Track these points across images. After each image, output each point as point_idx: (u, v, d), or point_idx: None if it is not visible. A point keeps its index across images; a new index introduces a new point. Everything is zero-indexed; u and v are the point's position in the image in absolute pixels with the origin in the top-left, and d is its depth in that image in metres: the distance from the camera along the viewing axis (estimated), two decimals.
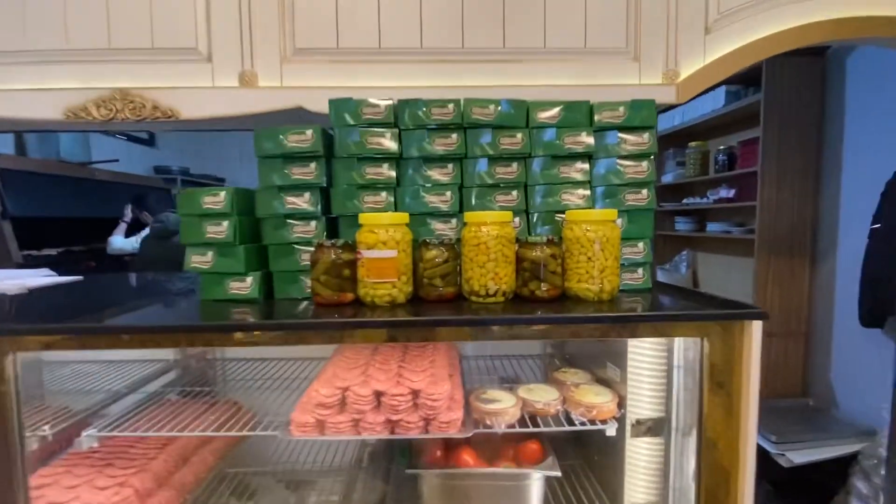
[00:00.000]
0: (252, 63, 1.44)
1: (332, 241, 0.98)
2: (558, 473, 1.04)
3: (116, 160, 3.51)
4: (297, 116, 1.42)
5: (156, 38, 1.46)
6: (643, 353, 1.09)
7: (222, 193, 1.05)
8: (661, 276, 3.68)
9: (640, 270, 1.14)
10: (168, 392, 1.42)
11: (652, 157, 1.13)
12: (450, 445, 1.20)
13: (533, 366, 1.54)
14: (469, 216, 1.00)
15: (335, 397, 1.02)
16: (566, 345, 1.57)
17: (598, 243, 0.98)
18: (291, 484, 1.38)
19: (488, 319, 0.88)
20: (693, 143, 3.40)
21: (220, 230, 1.05)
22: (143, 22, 1.44)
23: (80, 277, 1.60)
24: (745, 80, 2.90)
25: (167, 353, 1.59)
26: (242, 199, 1.07)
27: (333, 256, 0.98)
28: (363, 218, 0.97)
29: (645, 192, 1.12)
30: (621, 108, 1.11)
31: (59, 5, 1.41)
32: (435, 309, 0.96)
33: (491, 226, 0.98)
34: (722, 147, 3.16)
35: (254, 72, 1.44)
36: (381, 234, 0.95)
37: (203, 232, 1.05)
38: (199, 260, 1.07)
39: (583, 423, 1.08)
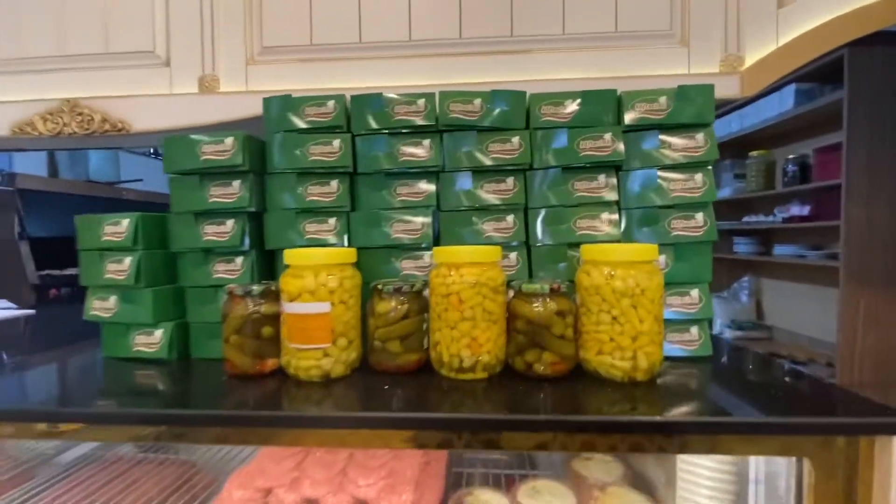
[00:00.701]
0: (213, 66, 1.23)
1: (246, 287, 0.71)
2: None
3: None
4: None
5: (111, 41, 1.28)
6: (699, 458, 0.73)
7: (124, 222, 0.81)
8: (718, 307, 3.17)
9: (695, 330, 0.79)
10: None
11: (709, 166, 0.79)
12: None
13: None
14: (438, 253, 0.70)
15: (254, 503, 0.73)
16: None
17: (631, 296, 0.65)
18: None
19: (415, 420, 0.57)
20: (755, 153, 2.93)
21: (121, 269, 0.81)
22: (97, 25, 1.27)
23: (32, 312, 1.44)
24: (820, 76, 2.44)
25: None
26: (152, 228, 0.83)
27: (250, 309, 0.71)
28: (287, 256, 0.70)
29: (700, 216, 0.78)
30: (663, 99, 0.78)
31: (12, 11, 1.27)
32: (386, 385, 0.66)
33: (467, 268, 0.67)
34: (792, 156, 2.68)
35: (215, 76, 1.23)
36: (309, 279, 0.67)
37: (102, 271, 0.82)
38: (99, 306, 0.83)
39: None
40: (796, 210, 2.61)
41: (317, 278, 0.67)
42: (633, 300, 0.65)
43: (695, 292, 0.78)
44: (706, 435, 0.55)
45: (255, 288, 0.71)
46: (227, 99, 1.21)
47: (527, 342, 0.68)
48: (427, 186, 0.81)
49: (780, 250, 2.73)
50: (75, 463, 1.13)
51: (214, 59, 1.23)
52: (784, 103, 2.57)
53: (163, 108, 1.23)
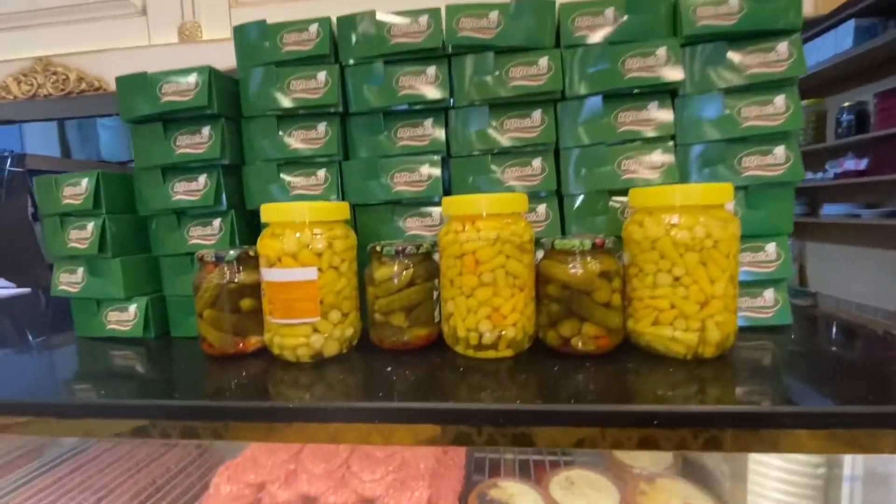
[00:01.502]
0: (194, 12, 1.10)
1: (219, 252, 0.59)
2: None
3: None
4: None
5: None
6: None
7: (83, 181, 0.69)
8: None
9: (770, 294, 0.64)
10: None
11: (794, 86, 0.62)
12: None
13: None
14: (448, 204, 0.56)
15: (244, 500, 0.64)
16: None
17: (699, 250, 0.50)
18: None
19: (421, 411, 0.45)
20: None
21: (84, 236, 0.70)
22: None
23: (28, 290, 1.38)
24: (882, 10, 2.14)
25: None
26: (116, 188, 0.71)
27: (225, 278, 0.59)
28: (264, 212, 0.57)
29: (781, 151, 0.62)
30: (734, 0, 0.61)
31: None
32: (389, 367, 0.54)
33: (484, 221, 0.53)
34: (847, 104, 2.40)
35: (196, 23, 1.10)
36: (290, 240, 0.54)
37: (65, 240, 0.71)
38: (66, 281, 0.73)
39: None
40: (851, 164, 2.35)
41: (300, 238, 0.54)
42: (703, 255, 0.50)
43: (771, 247, 0.63)
44: (815, 430, 0.41)
45: (230, 253, 0.59)
46: (210, 48, 1.07)
47: (562, 312, 0.55)
48: (433, 127, 0.66)
49: (830, 210, 2.48)
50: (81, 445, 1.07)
51: (194, 5, 1.09)
52: (841, 42, 2.27)
53: (141, 61, 1.11)
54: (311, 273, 0.54)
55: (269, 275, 0.55)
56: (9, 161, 1.83)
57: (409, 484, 0.62)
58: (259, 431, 0.47)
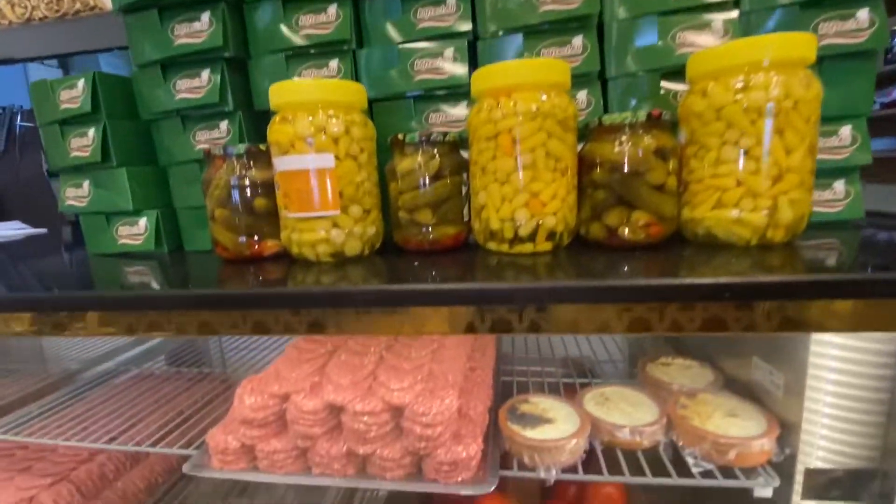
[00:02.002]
0: None
1: (227, 146, 0.54)
2: None
3: None
4: None
5: None
6: (839, 350, 0.54)
7: (80, 82, 0.64)
8: None
9: (840, 186, 0.56)
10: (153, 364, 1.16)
11: None
12: None
13: (612, 347, 1.04)
14: (479, 79, 0.50)
15: (269, 410, 0.62)
16: None
17: (775, 114, 0.43)
18: None
19: (496, 291, 0.40)
20: None
21: (86, 143, 0.65)
22: None
23: (44, 231, 1.37)
24: None
25: None
26: (116, 91, 0.66)
27: (235, 173, 0.54)
28: (274, 93, 0.51)
29: (864, 15, 0.52)
30: None
31: None
32: (417, 262, 0.50)
33: (522, 93, 0.47)
34: None
35: None
36: (303, 122, 0.49)
37: (66, 149, 0.67)
38: (73, 195, 0.70)
39: (707, 473, 0.58)
40: None
41: (314, 121, 0.49)
42: (779, 121, 0.43)
43: (846, 131, 0.55)
44: None
45: (239, 147, 0.54)
46: None
47: (609, 200, 0.49)
48: (458, 4, 0.58)
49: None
50: (104, 376, 1.08)
51: None
52: None
53: None
54: (327, 160, 0.49)
55: (282, 163, 0.50)
56: (19, 116, 1.78)
57: (438, 393, 0.59)
58: (280, 322, 0.43)
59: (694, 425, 0.60)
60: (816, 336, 0.56)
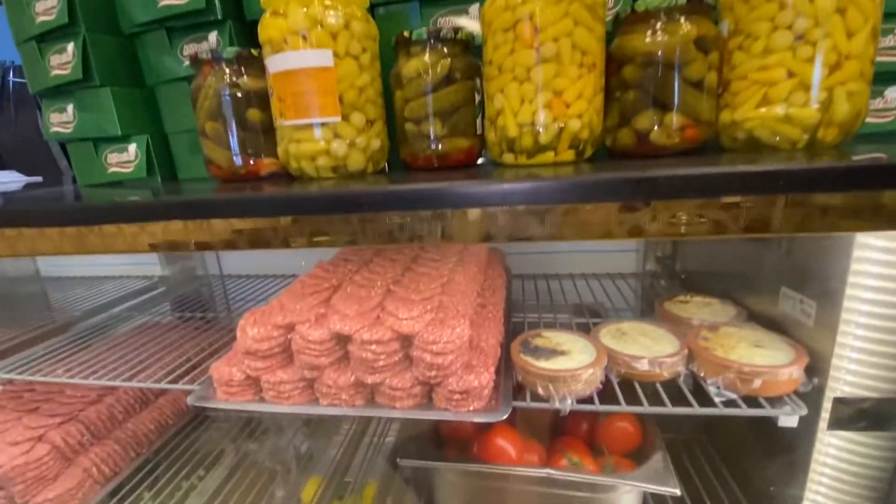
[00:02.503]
0: None
1: (216, 50, 0.49)
2: (676, 491, 0.55)
3: None
4: None
5: None
6: (875, 280, 0.50)
7: None
8: None
9: (894, 93, 0.51)
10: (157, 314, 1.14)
11: None
12: None
13: (626, 290, 1.01)
14: None
15: (273, 341, 0.60)
16: (684, 256, 1.00)
17: None
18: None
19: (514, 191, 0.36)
20: None
21: (65, 60, 0.60)
22: None
23: (40, 179, 1.33)
24: None
25: (154, 269, 1.32)
26: (95, 2, 0.60)
27: (225, 80, 0.49)
28: None
29: None
30: None
31: None
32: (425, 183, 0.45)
33: None
34: None
35: None
36: (296, 15, 0.43)
37: (46, 68, 0.62)
38: (58, 121, 0.65)
39: (729, 402, 0.56)
40: None
41: (308, 13, 0.43)
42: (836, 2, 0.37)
43: None
44: None
45: (229, 50, 0.49)
46: None
47: (640, 100, 0.44)
48: None
49: None
50: (109, 321, 1.08)
51: None
52: None
53: None
54: (325, 57, 0.44)
55: (275, 63, 0.45)
56: (11, 72, 1.70)
57: (449, 322, 0.57)
58: (298, 231, 0.40)
59: (717, 355, 0.57)
60: (854, 266, 0.52)
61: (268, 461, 1.02)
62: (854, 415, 0.56)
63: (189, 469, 0.92)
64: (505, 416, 0.54)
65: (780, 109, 0.41)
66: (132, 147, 0.63)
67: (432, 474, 0.68)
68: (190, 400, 0.62)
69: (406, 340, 0.57)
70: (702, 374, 0.58)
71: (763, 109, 0.41)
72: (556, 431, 0.72)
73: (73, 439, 0.81)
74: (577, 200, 0.35)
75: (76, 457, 0.81)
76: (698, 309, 0.73)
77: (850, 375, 0.55)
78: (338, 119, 0.46)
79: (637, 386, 0.60)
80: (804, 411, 0.54)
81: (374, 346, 0.56)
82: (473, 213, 0.37)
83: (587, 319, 0.81)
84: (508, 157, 0.47)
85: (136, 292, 1.19)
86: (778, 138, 0.42)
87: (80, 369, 0.81)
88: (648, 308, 0.92)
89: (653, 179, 0.33)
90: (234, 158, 0.51)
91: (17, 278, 1.36)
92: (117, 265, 1.35)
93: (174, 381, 0.72)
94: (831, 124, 0.40)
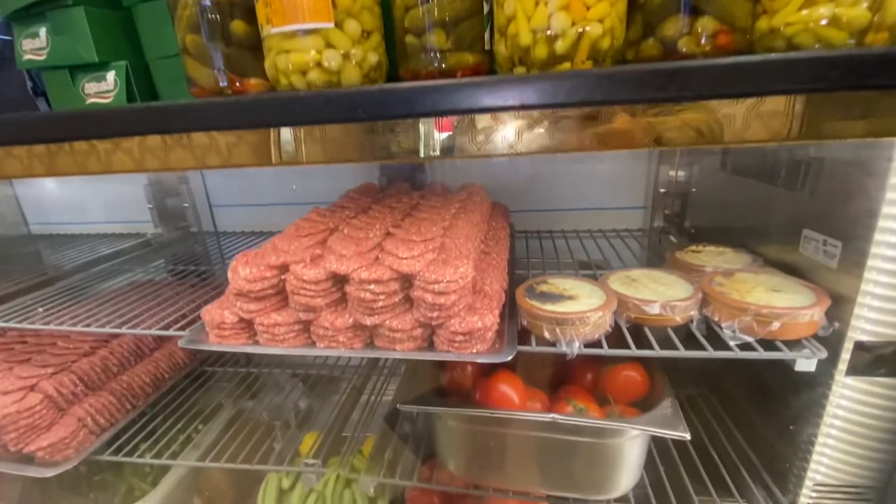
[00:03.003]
0: None
1: None
2: (686, 436, 0.53)
3: None
4: None
5: None
6: None
7: None
8: None
9: None
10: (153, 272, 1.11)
11: None
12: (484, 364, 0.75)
13: (634, 247, 0.98)
14: None
15: (266, 282, 0.57)
16: (694, 211, 0.96)
17: None
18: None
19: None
20: None
21: None
22: None
23: None
24: None
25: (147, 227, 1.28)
26: None
27: None
28: None
29: None
30: None
31: None
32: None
33: None
34: None
35: None
36: None
37: None
38: (30, 48, 0.60)
39: (745, 346, 0.53)
40: None
41: None
42: None
43: None
44: None
45: None
46: None
47: (667, 6, 0.39)
48: None
49: None
50: (103, 274, 1.05)
51: None
52: None
53: None
54: None
55: None
56: None
57: (452, 262, 0.54)
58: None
59: (734, 298, 0.54)
60: (885, 209, 0.48)
61: (266, 417, 1.01)
62: (874, 360, 0.53)
63: (186, 422, 0.91)
64: (510, 358, 0.52)
65: (825, 10, 0.36)
66: (110, 75, 0.59)
67: (432, 423, 0.67)
68: (181, 342, 0.60)
69: (406, 281, 0.54)
70: (716, 319, 0.56)
71: (806, 12, 0.37)
72: (560, 382, 0.70)
73: (65, 389, 0.79)
74: (599, 101, 0.31)
75: (70, 407, 0.80)
76: (711, 258, 0.70)
77: (872, 319, 0.52)
78: (330, 25, 0.41)
79: (647, 332, 0.57)
80: (824, 354, 0.51)
81: (372, 286, 0.53)
82: (483, 120, 0.33)
83: (594, 272, 0.78)
84: (520, 70, 0.43)
85: (129, 249, 1.15)
86: (820, 45, 0.37)
87: (71, 319, 0.78)
88: (658, 262, 0.89)
89: (688, 70, 0.29)
90: (218, 77, 0.46)
91: (5, 236, 1.32)
92: (110, 223, 1.31)
93: (165, 329, 0.70)
94: (882, 27, 0.36)
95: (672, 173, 0.98)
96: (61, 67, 0.60)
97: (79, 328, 0.72)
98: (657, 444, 0.68)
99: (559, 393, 0.65)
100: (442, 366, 0.72)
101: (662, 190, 1.01)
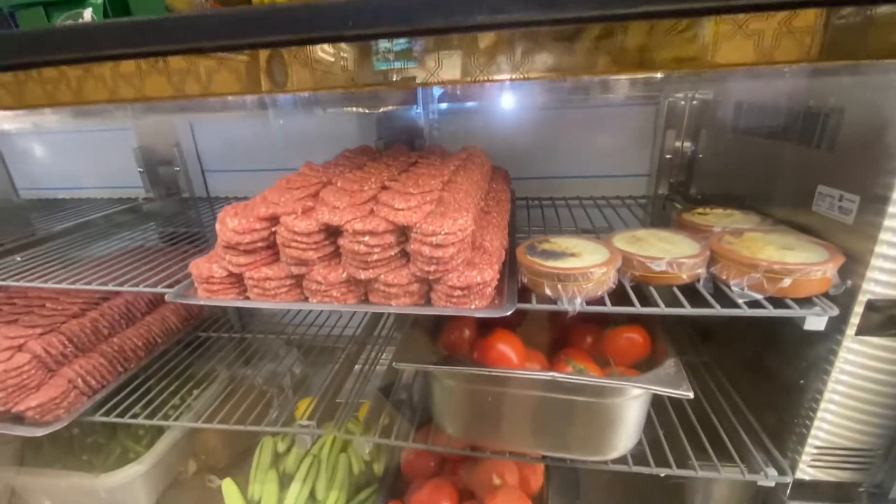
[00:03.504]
0: None
1: None
2: (689, 394, 0.52)
3: None
4: None
5: None
6: None
7: None
8: None
9: None
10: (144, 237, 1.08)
11: None
12: (483, 323, 0.73)
13: (639, 213, 0.95)
14: None
15: (255, 234, 0.54)
16: (700, 177, 0.93)
17: None
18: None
19: None
20: None
21: None
22: None
23: None
24: None
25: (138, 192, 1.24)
26: None
27: None
28: None
29: None
30: None
31: None
32: None
33: None
34: None
35: None
36: None
37: None
38: None
39: (753, 304, 0.51)
40: None
41: None
42: None
43: None
44: None
45: None
46: None
47: None
48: None
49: None
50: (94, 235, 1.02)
51: None
52: None
53: None
54: None
55: None
56: None
57: (451, 214, 0.51)
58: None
59: (744, 255, 0.52)
60: None
61: (260, 383, 1.00)
62: (885, 320, 0.52)
63: (179, 385, 0.90)
64: (509, 313, 0.50)
65: None
66: (87, 12, 0.55)
67: (429, 386, 0.65)
68: (168, 297, 0.58)
69: (402, 234, 0.52)
70: (723, 277, 0.54)
71: None
72: (558, 345, 0.68)
73: (54, 350, 0.78)
74: (619, 13, 0.28)
75: (59, 368, 0.78)
76: (719, 219, 0.67)
77: (885, 280, 0.50)
78: None
79: (652, 291, 0.55)
80: (835, 312, 0.50)
81: (367, 238, 0.50)
82: (486, 39, 0.30)
83: (597, 236, 0.75)
84: None
85: (120, 213, 1.12)
86: None
87: (57, 278, 0.76)
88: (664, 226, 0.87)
89: None
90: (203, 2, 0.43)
91: None
92: (100, 188, 1.28)
93: (153, 286, 0.67)
94: None
95: (678, 141, 0.94)
96: (35, 4, 0.56)
97: (64, 286, 0.70)
98: (657, 408, 0.67)
99: (558, 355, 0.64)
100: (439, 329, 0.71)
101: (668, 156, 0.98)
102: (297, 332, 1.13)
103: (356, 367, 1.02)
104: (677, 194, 0.98)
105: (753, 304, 0.51)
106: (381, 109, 1.04)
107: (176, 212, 1.19)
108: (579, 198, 1.01)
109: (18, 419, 0.75)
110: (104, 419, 0.78)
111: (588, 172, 1.04)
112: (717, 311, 0.51)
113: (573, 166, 1.04)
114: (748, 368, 0.72)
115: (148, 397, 0.84)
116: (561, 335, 0.70)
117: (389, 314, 1.08)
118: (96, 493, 0.84)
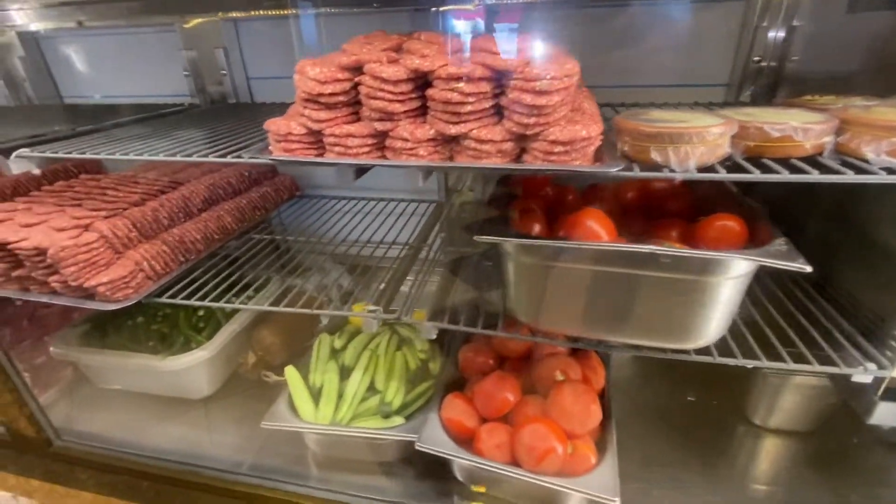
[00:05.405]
0: None
1: None
2: (807, 268, 0.47)
3: None
4: None
5: None
6: None
7: None
8: None
9: None
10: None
11: None
12: (565, 198, 0.69)
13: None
14: None
15: (338, 85, 0.50)
16: (794, 75, 0.84)
17: None
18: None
19: None
20: None
21: None
22: None
23: None
24: None
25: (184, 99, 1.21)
26: None
27: None
28: None
29: None
30: None
31: None
32: None
33: None
34: None
35: None
36: None
37: None
38: None
39: (893, 171, 0.46)
40: None
41: None
42: None
43: None
44: None
45: None
46: None
47: None
48: None
49: None
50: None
51: None
52: None
53: None
54: None
55: None
56: None
57: (556, 59, 0.46)
58: None
59: (885, 117, 0.46)
60: None
61: (311, 290, 0.99)
62: None
63: (236, 280, 0.90)
64: (616, 171, 0.45)
65: None
66: None
67: (502, 265, 0.62)
68: (246, 155, 0.55)
69: (499, 84, 0.47)
70: (853, 146, 0.48)
71: None
72: (643, 235, 0.64)
73: (120, 232, 0.78)
74: None
75: (125, 251, 0.79)
76: (834, 101, 0.60)
77: None
78: None
79: (769, 163, 0.50)
80: None
81: (461, 84, 0.46)
82: None
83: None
84: None
85: (169, 114, 1.10)
86: None
87: (150, 150, 0.72)
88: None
89: None
90: None
91: (42, 104, 1.28)
92: (146, 96, 1.26)
93: (222, 156, 0.65)
94: None
95: (772, 31, 0.85)
96: None
97: (161, 157, 0.67)
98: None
99: (648, 240, 0.60)
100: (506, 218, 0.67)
101: (756, 58, 0.88)
102: (344, 254, 1.10)
103: (408, 277, 1.01)
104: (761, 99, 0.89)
105: (893, 171, 0.45)
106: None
107: (229, 114, 1.15)
108: (653, 104, 0.93)
109: (90, 296, 0.76)
110: (171, 301, 0.79)
111: (661, 81, 0.96)
112: (850, 177, 0.46)
113: (638, 75, 0.96)
114: (847, 260, 0.67)
115: (206, 289, 0.84)
116: (643, 230, 0.66)
117: (436, 236, 1.05)
118: (162, 375, 0.87)
